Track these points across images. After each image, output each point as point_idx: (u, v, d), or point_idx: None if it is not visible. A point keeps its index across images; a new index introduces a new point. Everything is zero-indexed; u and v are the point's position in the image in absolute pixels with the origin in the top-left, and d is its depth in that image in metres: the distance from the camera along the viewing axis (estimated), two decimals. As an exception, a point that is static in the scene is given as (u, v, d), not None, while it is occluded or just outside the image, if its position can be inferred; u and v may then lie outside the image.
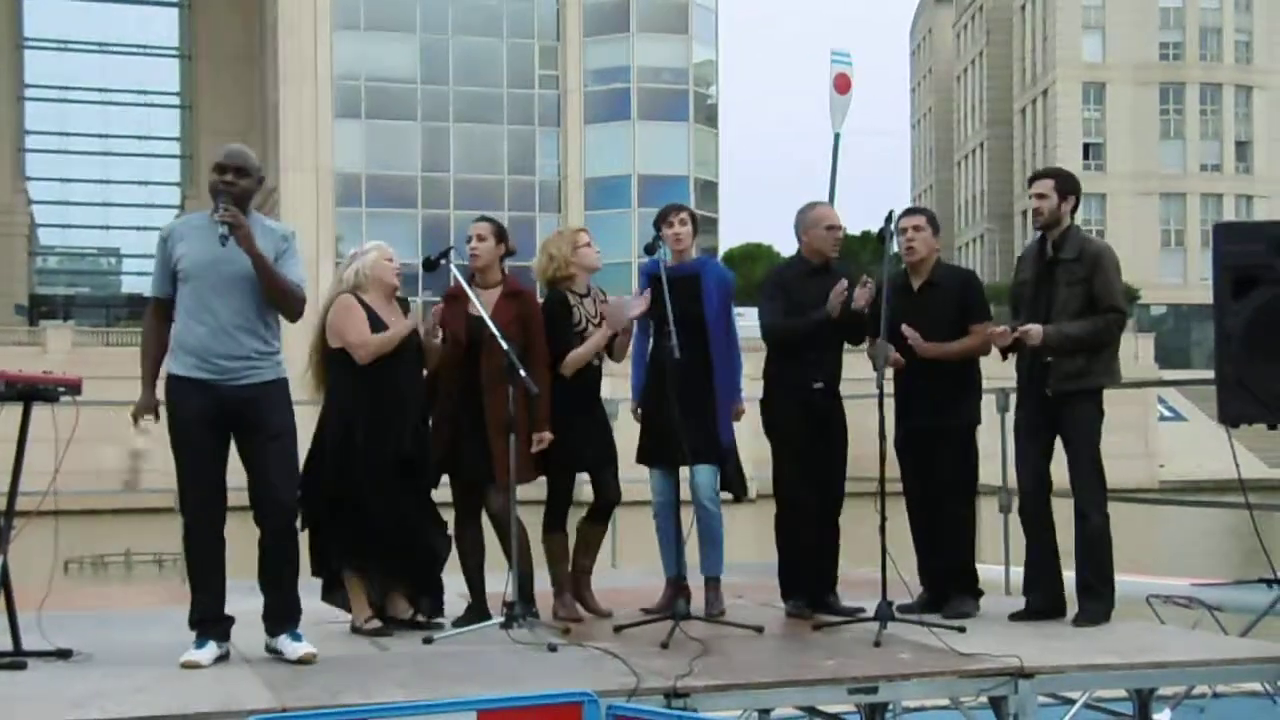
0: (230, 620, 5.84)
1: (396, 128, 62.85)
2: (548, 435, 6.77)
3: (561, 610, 6.96)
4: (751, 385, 7.23)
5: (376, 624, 6.57)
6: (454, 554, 6.86)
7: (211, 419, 5.72)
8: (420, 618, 6.71)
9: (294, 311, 5.94)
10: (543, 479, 6.99)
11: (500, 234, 7.02)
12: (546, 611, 6.81)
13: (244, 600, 5.92)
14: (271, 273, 5.75)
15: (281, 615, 5.85)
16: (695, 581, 7.18)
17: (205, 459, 5.75)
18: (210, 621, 5.76)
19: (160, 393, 5.82)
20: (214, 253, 5.69)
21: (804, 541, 7.13)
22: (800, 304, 7.08)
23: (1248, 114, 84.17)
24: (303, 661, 5.66)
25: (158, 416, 5.84)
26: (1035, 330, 6.73)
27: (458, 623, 6.64)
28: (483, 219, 7.10)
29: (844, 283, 6.92)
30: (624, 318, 7.00)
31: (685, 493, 7.07)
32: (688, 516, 7.03)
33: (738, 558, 7.56)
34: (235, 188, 5.78)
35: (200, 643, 5.70)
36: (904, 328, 6.95)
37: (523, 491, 6.61)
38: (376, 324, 6.60)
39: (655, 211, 7.42)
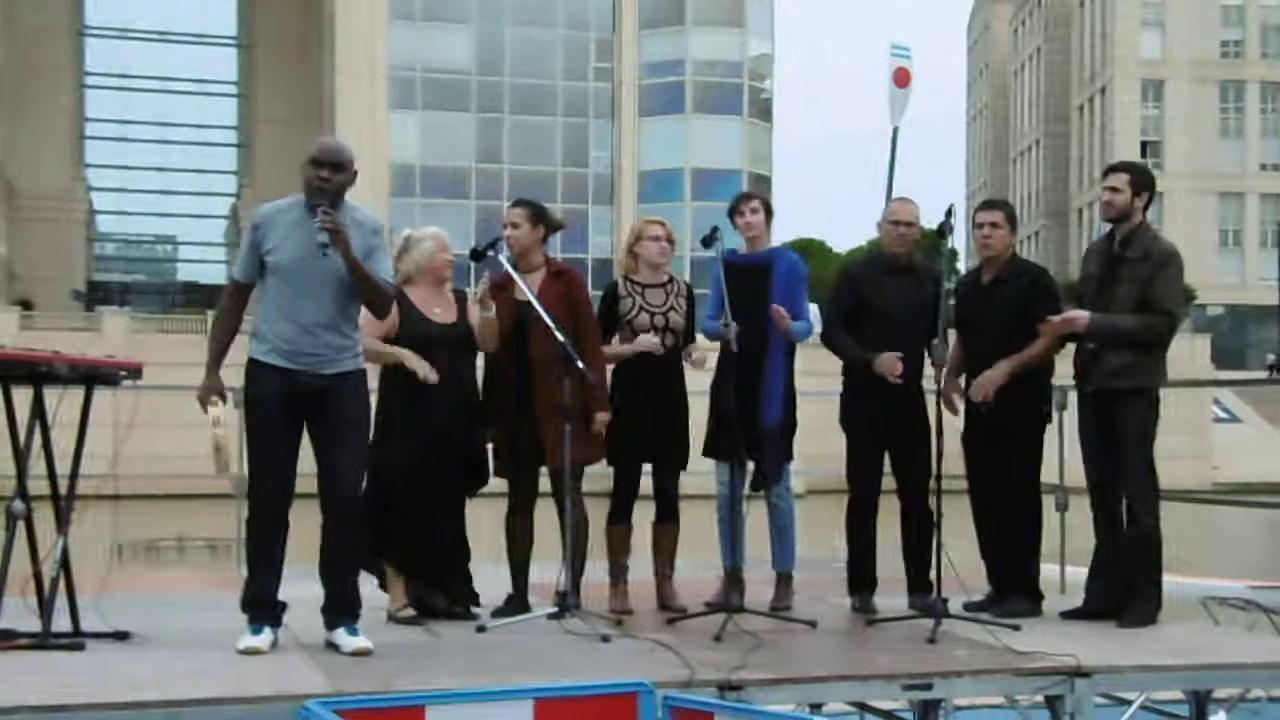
0: (284, 606, 5.84)
1: (451, 119, 63.11)
2: (604, 416, 6.74)
3: (615, 602, 6.95)
4: (802, 380, 7.20)
5: (410, 613, 6.58)
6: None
7: (289, 404, 5.71)
8: (458, 609, 6.72)
9: (384, 310, 6.01)
10: (609, 469, 6.99)
11: (536, 216, 6.91)
12: (600, 602, 6.79)
13: (300, 586, 5.95)
14: (366, 276, 5.72)
15: (340, 608, 5.83)
16: (762, 575, 7.17)
17: (280, 443, 5.73)
18: (266, 605, 5.77)
19: (222, 377, 5.82)
20: (307, 250, 5.67)
21: (873, 538, 7.12)
22: (869, 302, 7.06)
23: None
24: (357, 655, 5.63)
25: (225, 399, 5.81)
26: (1082, 316, 6.69)
27: (498, 613, 6.62)
28: (517, 203, 7.00)
29: (899, 365, 6.87)
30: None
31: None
32: (759, 510, 7.02)
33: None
34: (331, 184, 5.71)
35: (256, 628, 5.70)
36: (971, 390, 6.89)
37: (587, 482, 6.60)
38: (418, 316, 6.61)
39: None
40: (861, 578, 7.16)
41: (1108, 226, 6.95)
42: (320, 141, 5.94)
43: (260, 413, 5.73)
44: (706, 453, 7.10)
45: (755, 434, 6.93)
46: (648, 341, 6.95)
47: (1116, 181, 6.86)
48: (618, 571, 7.06)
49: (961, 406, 7.03)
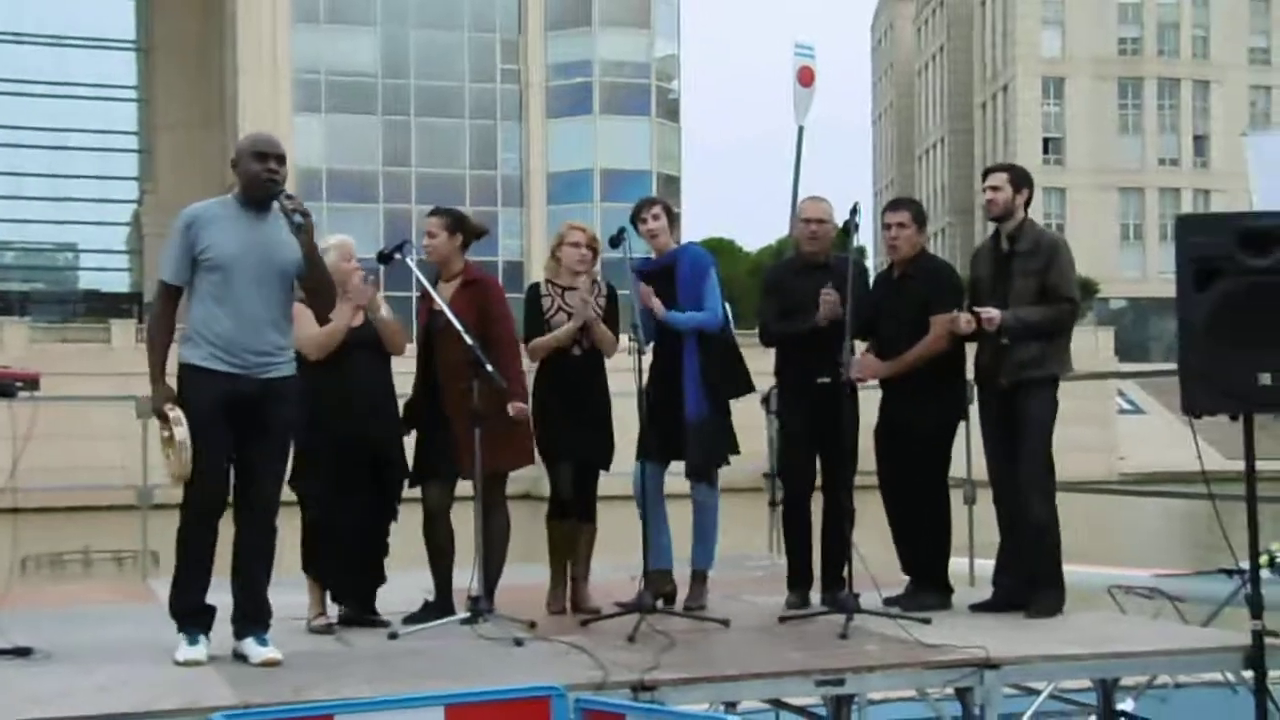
0: (213, 611, 5.72)
1: (357, 122, 62.61)
2: (521, 405, 6.65)
3: (554, 604, 6.96)
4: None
5: (325, 621, 6.53)
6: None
7: (226, 411, 5.60)
8: (368, 616, 6.66)
9: (330, 299, 5.98)
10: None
11: (454, 224, 6.86)
12: (514, 607, 6.74)
13: (211, 596, 5.85)
14: (322, 264, 5.75)
15: (251, 616, 5.74)
16: (679, 574, 7.17)
17: (217, 451, 5.62)
18: (200, 613, 5.66)
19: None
20: (249, 243, 5.62)
21: (809, 536, 7.16)
22: (791, 302, 7.10)
23: (1205, 109, 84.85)
24: (266, 665, 5.55)
25: (178, 404, 5.59)
26: (995, 314, 6.79)
27: (413, 618, 6.57)
28: (435, 212, 6.95)
29: (835, 294, 6.90)
30: (586, 313, 6.96)
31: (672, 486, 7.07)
32: (673, 509, 7.03)
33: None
34: (279, 175, 5.68)
35: (192, 637, 5.60)
36: (851, 369, 6.96)
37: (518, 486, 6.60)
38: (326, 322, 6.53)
39: (618, 206, 7.42)
40: (796, 575, 7.20)
41: (993, 227, 7.08)
42: (259, 135, 5.87)
43: (200, 419, 5.56)
44: (639, 455, 7.06)
45: (674, 436, 6.94)
46: (580, 312, 6.91)
47: (996, 181, 7.01)
48: (556, 570, 7.08)
49: (870, 396, 7.08)
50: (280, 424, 5.74)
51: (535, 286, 7.14)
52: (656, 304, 6.97)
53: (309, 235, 5.65)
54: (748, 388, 7.26)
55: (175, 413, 5.55)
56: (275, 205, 5.69)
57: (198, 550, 5.65)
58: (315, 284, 5.82)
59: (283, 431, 5.78)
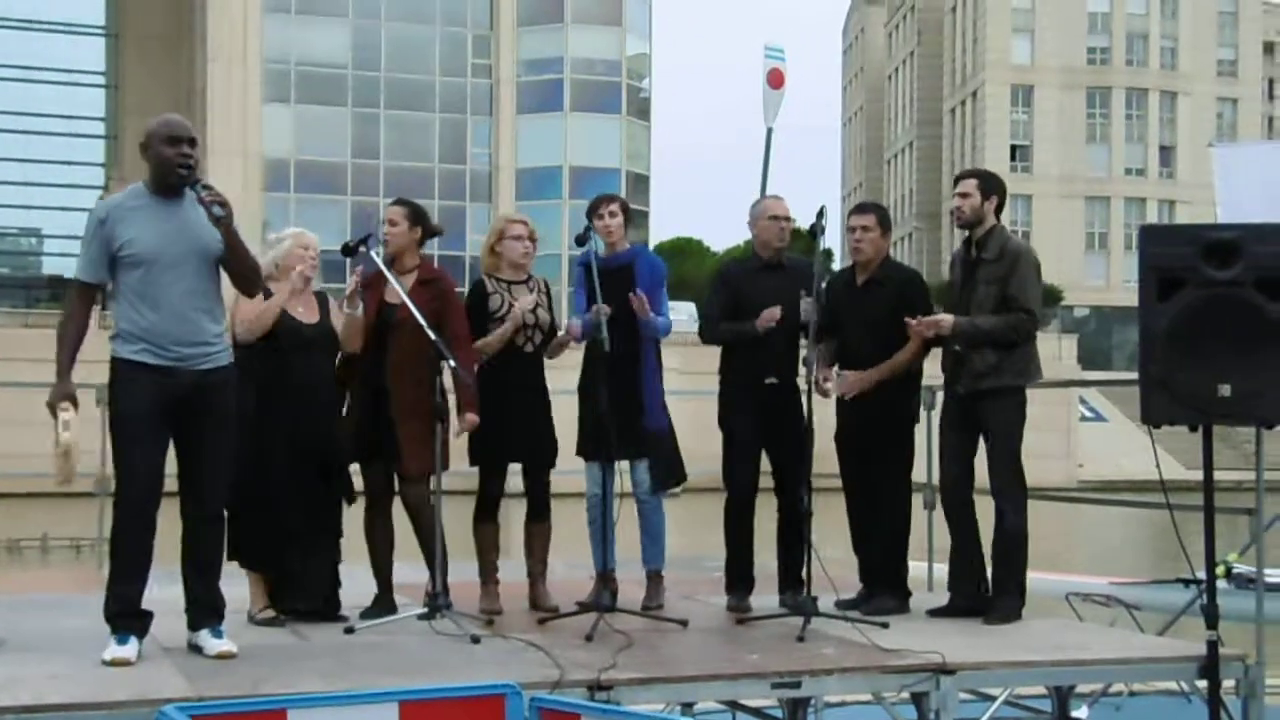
0: (150, 616, 5.61)
1: (326, 113, 62.29)
2: (472, 418, 6.68)
3: (485, 601, 6.91)
4: (679, 379, 7.22)
5: (270, 614, 6.50)
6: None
7: (162, 405, 5.48)
8: (321, 609, 6.63)
9: (255, 283, 5.86)
10: (472, 469, 6.94)
11: (415, 217, 6.86)
12: (468, 603, 6.75)
13: (162, 589, 5.81)
14: (244, 250, 5.60)
15: (205, 609, 5.68)
16: (635, 575, 7.16)
17: (152, 447, 5.50)
18: (131, 616, 5.53)
19: (78, 378, 5.59)
20: (166, 233, 5.49)
21: (750, 537, 7.16)
22: (749, 301, 7.08)
23: (1172, 119, 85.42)
24: (221, 658, 5.50)
25: (76, 405, 5.50)
26: (946, 319, 6.82)
27: (366, 614, 6.55)
28: (397, 202, 6.96)
29: (776, 310, 6.90)
30: (518, 312, 6.94)
31: (623, 485, 7.05)
32: (626, 509, 7.01)
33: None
34: (193, 159, 5.54)
35: (122, 638, 5.45)
36: (832, 383, 6.96)
37: (441, 481, 6.56)
38: (282, 314, 6.49)
39: (586, 203, 7.37)
40: (738, 577, 7.20)
41: (965, 234, 7.10)
42: (166, 118, 5.66)
43: (132, 414, 5.48)
44: (580, 453, 7.07)
45: (634, 435, 6.92)
46: (518, 311, 6.90)
47: (966, 188, 7.02)
48: (488, 571, 7.02)
49: (833, 394, 7.09)
50: (221, 413, 5.63)
51: (480, 284, 7.08)
52: (648, 310, 6.93)
53: (228, 225, 5.49)
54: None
55: (66, 414, 5.45)
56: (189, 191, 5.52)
57: (133, 549, 5.54)
58: (239, 270, 5.68)
59: (225, 421, 5.66)
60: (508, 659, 5.58)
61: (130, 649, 5.43)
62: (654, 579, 7.19)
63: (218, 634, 5.64)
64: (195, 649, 5.62)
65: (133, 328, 5.51)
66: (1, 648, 5.67)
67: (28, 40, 75.32)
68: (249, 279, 5.77)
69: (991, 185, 7.05)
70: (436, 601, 6.29)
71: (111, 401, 5.57)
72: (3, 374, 6.18)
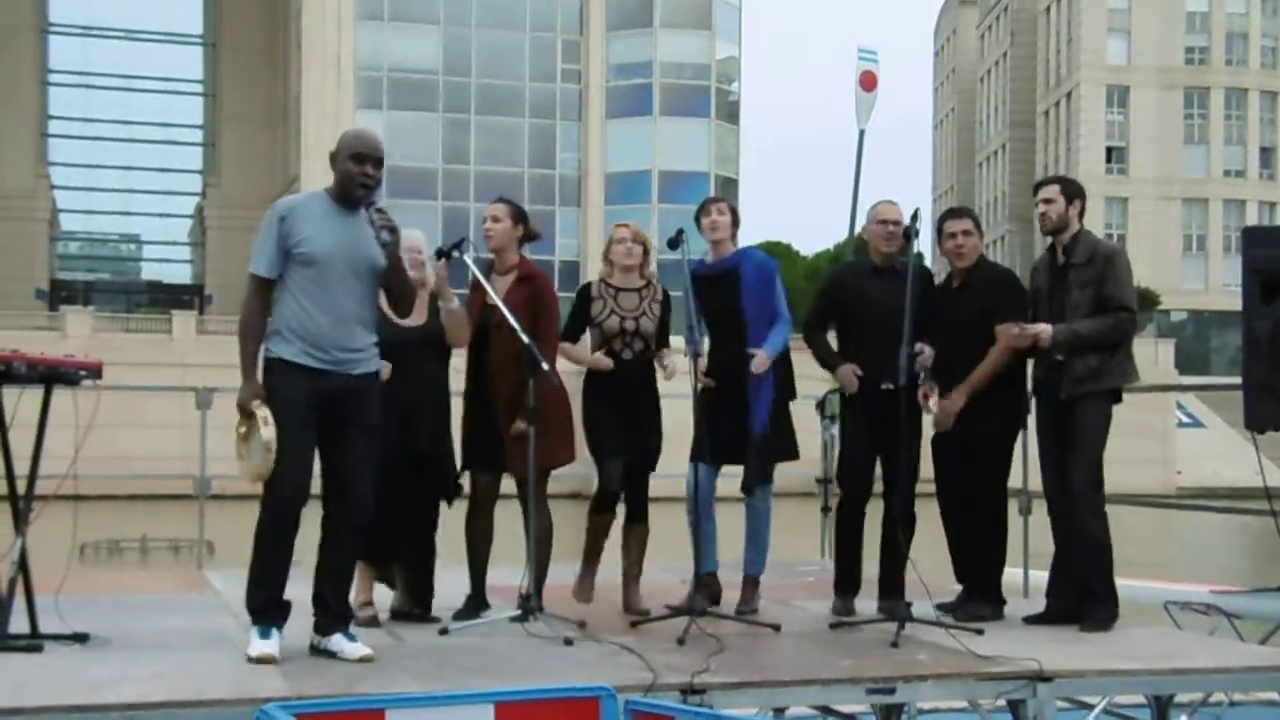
0: (289, 607, 5.63)
1: (418, 119, 62.97)
2: (521, 426, 6.52)
3: (578, 590, 6.96)
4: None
5: (371, 612, 6.56)
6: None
7: (313, 407, 5.54)
8: (417, 611, 6.71)
9: (410, 307, 6.10)
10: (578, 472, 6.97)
11: (518, 216, 6.92)
12: (562, 606, 6.77)
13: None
14: (406, 273, 5.83)
15: (338, 614, 5.70)
16: (730, 579, 7.15)
17: (304, 445, 5.54)
18: (275, 608, 5.58)
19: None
20: (343, 240, 5.58)
21: (860, 541, 7.13)
22: (856, 303, 7.08)
23: (1273, 119, 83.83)
24: (362, 662, 5.48)
25: (267, 403, 5.52)
26: (1046, 330, 6.72)
27: (459, 615, 6.61)
28: (501, 200, 7.02)
29: (856, 383, 6.96)
30: (600, 360, 6.92)
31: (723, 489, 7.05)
32: (724, 512, 7.01)
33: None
34: (374, 180, 5.63)
35: (264, 631, 5.50)
36: (932, 400, 6.92)
37: (556, 484, 6.59)
38: (386, 321, 6.56)
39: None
40: (845, 580, 7.17)
41: (1049, 240, 7.02)
42: (359, 133, 5.78)
43: (287, 414, 5.50)
44: (694, 457, 7.04)
45: (735, 440, 6.91)
46: (598, 360, 6.92)
47: (1049, 194, 6.95)
48: (591, 558, 7.05)
49: (934, 407, 7.03)
50: (368, 420, 5.68)
51: (588, 286, 7.12)
52: (766, 364, 6.94)
53: (394, 250, 5.68)
54: (793, 394, 7.27)
55: (263, 411, 5.48)
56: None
57: (277, 544, 5.59)
58: (398, 291, 5.88)
59: (371, 431, 5.70)
60: (601, 661, 5.59)
61: (273, 644, 5.47)
62: (750, 583, 7.17)
63: (351, 637, 5.64)
64: (325, 653, 5.61)
65: (296, 327, 5.57)
66: (106, 647, 5.77)
67: (127, 50, 76.89)
68: (406, 300, 6.01)
69: (1073, 189, 6.98)
70: (529, 603, 6.32)
71: (268, 400, 5.55)
72: (106, 378, 6.34)
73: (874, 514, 7.12)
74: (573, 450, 6.84)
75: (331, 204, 5.68)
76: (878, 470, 7.15)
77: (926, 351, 6.74)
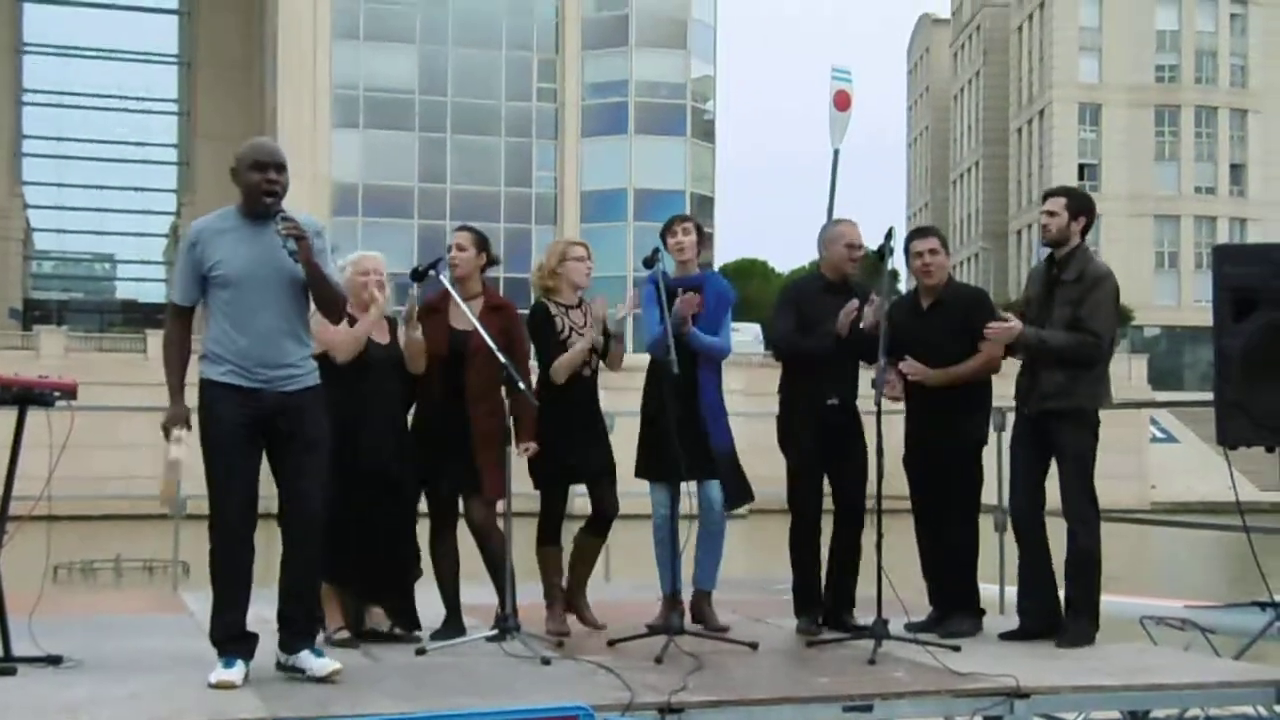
0: (255, 639, 5.58)
1: (394, 138, 62.87)
2: (533, 445, 6.74)
3: (552, 624, 6.93)
4: (743, 400, 7.21)
5: (345, 635, 6.54)
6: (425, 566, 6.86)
7: (251, 426, 5.51)
8: (398, 631, 6.70)
9: (339, 310, 5.83)
10: (535, 491, 6.97)
11: (481, 243, 6.94)
12: (536, 625, 6.77)
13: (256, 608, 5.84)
14: (324, 278, 5.59)
15: (303, 630, 5.66)
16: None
17: (243, 468, 5.51)
18: (238, 639, 5.53)
19: (188, 399, 5.64)
20: (255, 256, 5.52)
21: (818, 559, 7.13)
22: (813, 320, 7.06)
23: (1243, 137, 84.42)
24: (329, 679, 5.46)
25: (189, 426, 5.56)
26: (1017, 325, 6.75)
27: (436, 635, 6.60)
28: (464, 228, 7.02)
29: (854, 302, 6.90)
30: (602, 314, 6.98)
31: (686, 506, 7.04)
32: (686, 530, 7.00)
33: (729, 572, 7.53)
34: (279, 185, 5.55)
35: (228, 661, 5.44)
36: (904, 363, 6.94)
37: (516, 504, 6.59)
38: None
39: (651, 225, 7.43)
40: (807, 599, 7.17)
41: (1048, 250, 7.03)
42: (255, 143, 5.72)
43: (222, 436, 5.50)
44: (642, 474, 7.07)
45: (702, 455, 6.92)
46: (579, 348, 6.93)
47: (1054, 205, 6.94)
48: (553, 593, 7.04)
49: (896, 423, 7.04)
50: (312, 436, 5.62)
51: (543, 307, 7.10)
52: (691, 308, 6.90)
53: (304, 257, 5.49)
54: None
55: (179, 432, 5.49)
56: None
57: (232, 571, 5.54)
58: (322, 298, 5.67)
59: (316, 443, 5.65)
60: (579, 681, 5.59)
61: (236, 672, 5.40)
62: (705, 599, 7.16)
63: (318, 653, 5.61)
64: (293, 670, 5.58)
65: (221, 350, 5.54)
66: (80, 668, 5.74)
67: (103, 69, 76.67)
68: (332, 307, 5.76)
69: (1080, 205, 6.96)
70: (506, 623, 6.32)
71: (201, 424, 5.57)
72: (79, 398, 6.28)
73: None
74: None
75: (242, 220, 5.61)
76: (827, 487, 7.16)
77: (876, 301, 6.76)
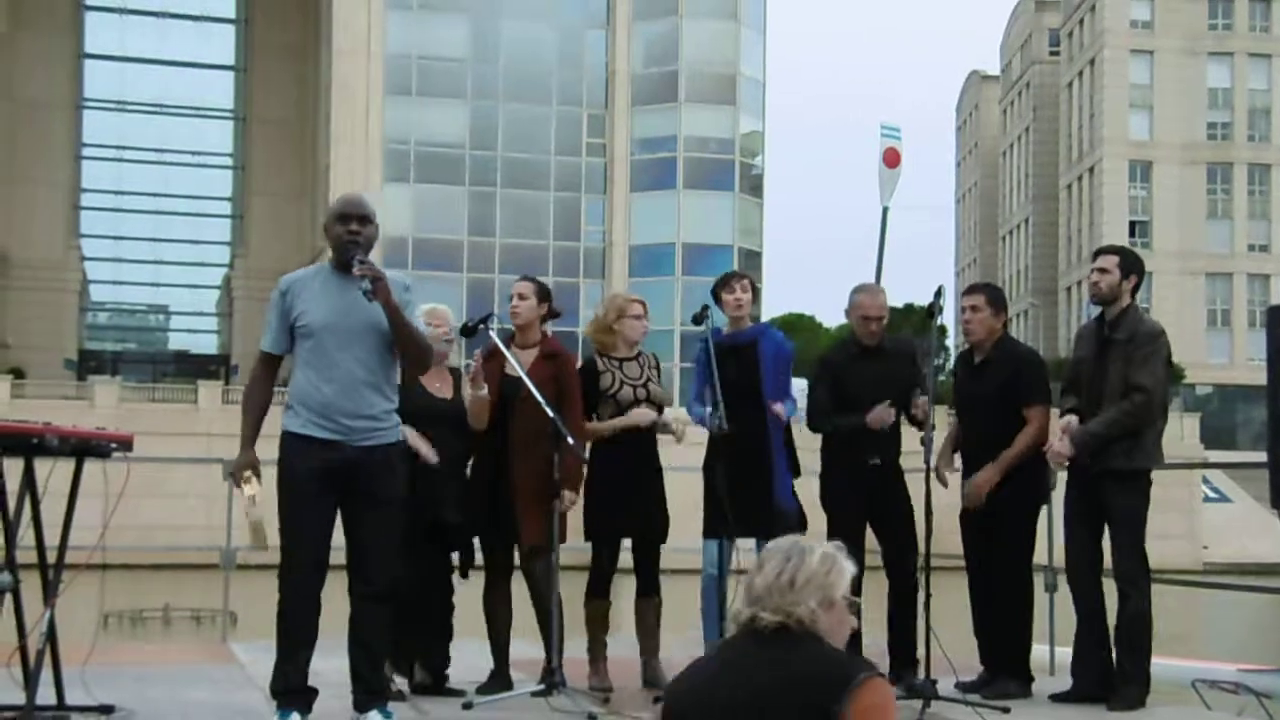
0: (314, 693, 5.56)
1: (444, 192, 63.45)
2: (572, 495, 6.67)
3: (595, 679, 6.89)
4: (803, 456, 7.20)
5: (394, 688, 6.53)
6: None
7: (328, 479, 5.47)
8: (431, 683, 6.72)
9: (424, 361, 5.83)
10: (585, 544, 6.97)
11: (543, 294, 6.96)
12: (582, 679, 6.75)
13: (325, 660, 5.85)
14: (406, 324, 5.56)
15: (374, 690, 5.61)
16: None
17: (317, 522, 5.47)
18: (297, 692, 5.51)
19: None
20: (339, 307, 5.55)
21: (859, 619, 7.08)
22: (850, 389, 7.08)
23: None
24: None
25: (259, 475, 5.54)
26: (1064, 449, 6.69)
27: (483, 689, 6.59)
28: (526, 278, 7.04)
29: (891, 414, 6.93)
30: (640, 416, 6.96)
31: (739, 563, 7.02)
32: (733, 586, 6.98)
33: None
34: (361, 236, 5.59)
35: (285, 713, 5.44)
36: (966, 495, 6.93)
37: (560, 557, 6.60)
38: (420, 390, 6.61)
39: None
40: None
41: (1098, 309, 6.98)
42: (344, 197, 5.82)
43: (296, 487, 5.49)
44: (707, 534, 7.02)
45: (764, 513, 6.88)
46: (642, 414, 6.96)
47: (1105, 263, 6.87)
48: (597, 648, 7.01)
49: (951, 481, 7.03)
50: (385, 495, 5.59)
51: (592, 362, 7.11)
52: (781, 410, 6.98)
53: (384, 299, 5.48)
54: (798, 471, 7.28)
55: (250, 487, 5.50)
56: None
57: (297, 624, 5.51)
58: (403, 347, 5.64)
59: (389, 502, 5.61)
60: (624, 737, 5.57)
61: None
62: None
63: (386, 714, 5.58)
64: None
65: (303, 399, 5.56)
66: (123, 718, 5.78)
67: (158, 124, 77.80)
68: (415, 356, 5.75)
69: (1132, 265, 6.89)
70: (553, 678, 6.31)
71: (279, 476, 5.56)
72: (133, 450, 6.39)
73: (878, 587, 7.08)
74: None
75: (332, 273, 5.67)
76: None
77: (923, 400, 6.88)
